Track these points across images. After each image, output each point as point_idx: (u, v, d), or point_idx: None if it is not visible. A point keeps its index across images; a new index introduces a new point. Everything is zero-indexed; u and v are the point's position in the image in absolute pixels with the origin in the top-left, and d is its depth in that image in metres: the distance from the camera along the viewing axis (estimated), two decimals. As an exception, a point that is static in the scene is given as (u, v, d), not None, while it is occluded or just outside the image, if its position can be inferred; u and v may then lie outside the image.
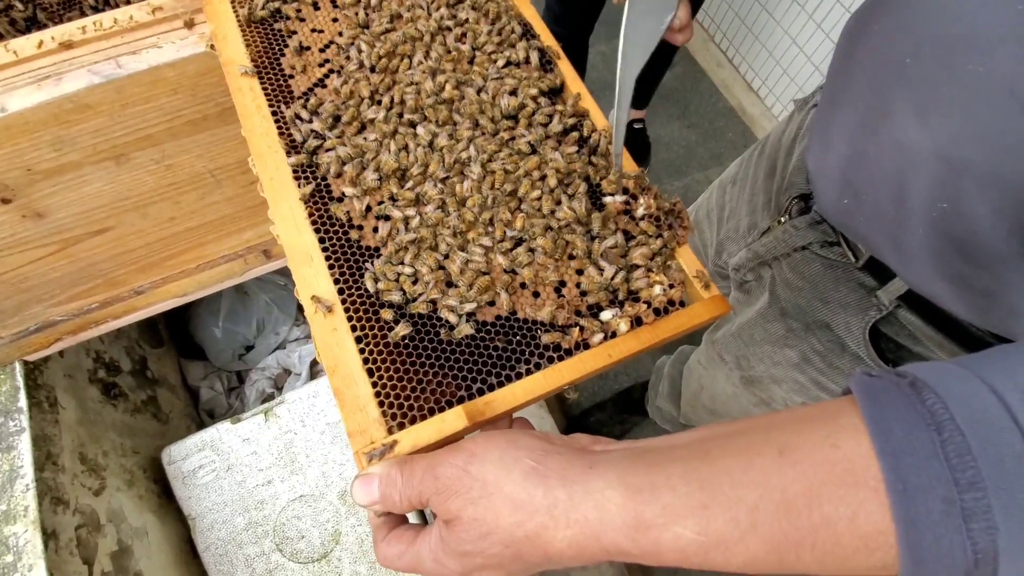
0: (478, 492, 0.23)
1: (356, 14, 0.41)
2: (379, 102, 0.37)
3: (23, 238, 0.49)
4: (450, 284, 0.33)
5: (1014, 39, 0.26)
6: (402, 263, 0.33)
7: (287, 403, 0.90)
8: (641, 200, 0.35)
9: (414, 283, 0.33)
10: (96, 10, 0.51)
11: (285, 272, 1.08)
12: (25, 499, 0.60)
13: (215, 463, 0.86)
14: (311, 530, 0.84)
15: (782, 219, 0.51)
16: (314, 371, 1.11)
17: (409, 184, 0.35)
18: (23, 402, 0.64)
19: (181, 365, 1.09)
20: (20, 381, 0.65)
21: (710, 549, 0.20)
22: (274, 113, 0.36)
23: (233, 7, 0.39)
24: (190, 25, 0.41)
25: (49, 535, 0.58)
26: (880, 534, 0.19)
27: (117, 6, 0.52)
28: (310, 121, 0.36)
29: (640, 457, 0.23)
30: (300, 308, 1.18)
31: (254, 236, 0.63)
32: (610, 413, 1.18)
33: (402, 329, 0.32)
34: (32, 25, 0.50)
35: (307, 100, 0.37)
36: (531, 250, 0.34)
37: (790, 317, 0.52)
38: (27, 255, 0.51)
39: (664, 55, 1.47)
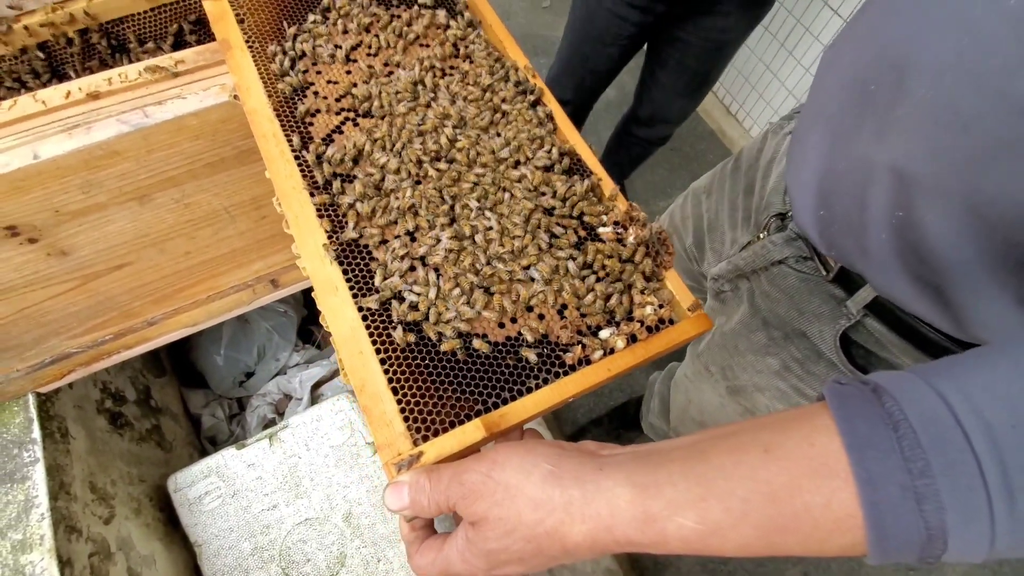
0: (501, 495, 0.26)
1: (370, 68, 0.45)
2: (394, 150, 0.41)
3: (46, 275, 0.52)
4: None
5: (957, 67, 0.30)
6: (414, 290, 0.37)
7: (291, 427, 0.92)
8: (631, 230, 0.39)
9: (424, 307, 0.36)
10: (113, 56, 0.55)
11: (286, 299, 1.11)
12: (41, 528, 0.62)
13: (221, 489, 0.87)
14: (317, 553, 0.85)
15: (761, 235, 0.56)
16: (315, 395, 1.12)
17: (425, 219, 0.39)
18: (36, 433, 0.66)
19: (183, 393, 1.10)
20: (33, 412, 0.67)
21: (708, 536, 0.24)
22: (296, 157, 0.40)
23: (254, 60, 0.43)
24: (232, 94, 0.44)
25: (64, 563, 0.59)
26: (850, 517, 0.22)
27: (129, 52, 0.55)
28: (329, 163, 0.40)
29: (645, 458, 0.26)
30: (300, 334, 1.20)
31: (263, 267, 0.66)
32: (606, 429, 1.21)
33: (408, 336, 0.35)
34: (56, 72, 0.54)
35: (327, 144, 0.41)
36: (532, 279, 0.38)
37: (772, 327, 0.56)
38: (49, 291, 0.54)
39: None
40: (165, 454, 0.93)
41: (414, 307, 0.36)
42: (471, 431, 0.32)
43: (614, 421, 1.21)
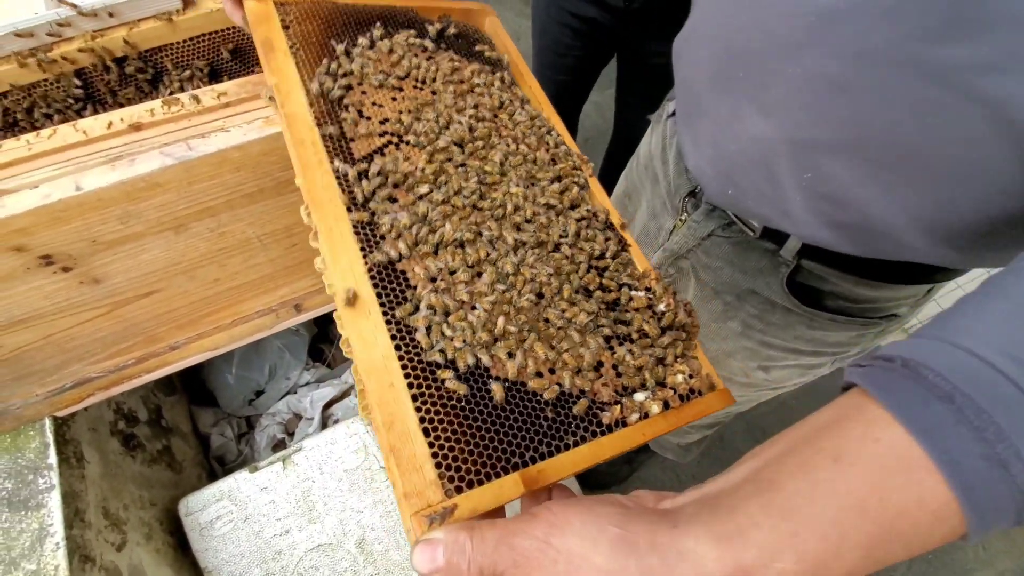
0: (564, 566, 0.23)
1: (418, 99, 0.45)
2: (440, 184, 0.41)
3: (77, 302, 0.51)
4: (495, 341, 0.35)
5: (813, 43, 0.33)
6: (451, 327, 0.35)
7: (305, 450, 0.91)
8: (662, 299, 0.40)
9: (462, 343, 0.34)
10: (150, 84, 0.55)
11: (297, 317, 1.10)
12: (56, 558, 0.60)
13: (232, 513, 0.85)
14: (330, 581, 0.83)
15: (683, 217, 0.58)
16: (325, 415, 1.11)
17: (470, 257, 0.38)
18: (53, 458, 0.65)
19: (192, 412, 1.09)
20: (50, 437, 0.66)
21: (812, 574, 0.21)
22: (335, 171, 0.38)
23: (297, 66, 0.42)
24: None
25: (80, 595, 0.58)
26: (945, 505, 0.20)
27: (165, 81, 0.55)
28: (370, 179, 0.39)
29: (714, 504, 0.23)
30: (310, 353, 1.19)
31: (288, 292, 0.66)
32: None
33: (460, 387, 0.32)
34: (92, 98, 0.54)
35: (370, 162, 0.40)
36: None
37: (722, 293, 0.58)
38: (77, 318, 0.53)
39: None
40: (175, 475, 0.92)
41: (449, 340, 0.34)
42: (509, 486, 0.29)
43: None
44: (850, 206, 0.38)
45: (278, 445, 1.10)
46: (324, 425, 1.11)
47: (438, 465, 0.29)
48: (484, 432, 0.31)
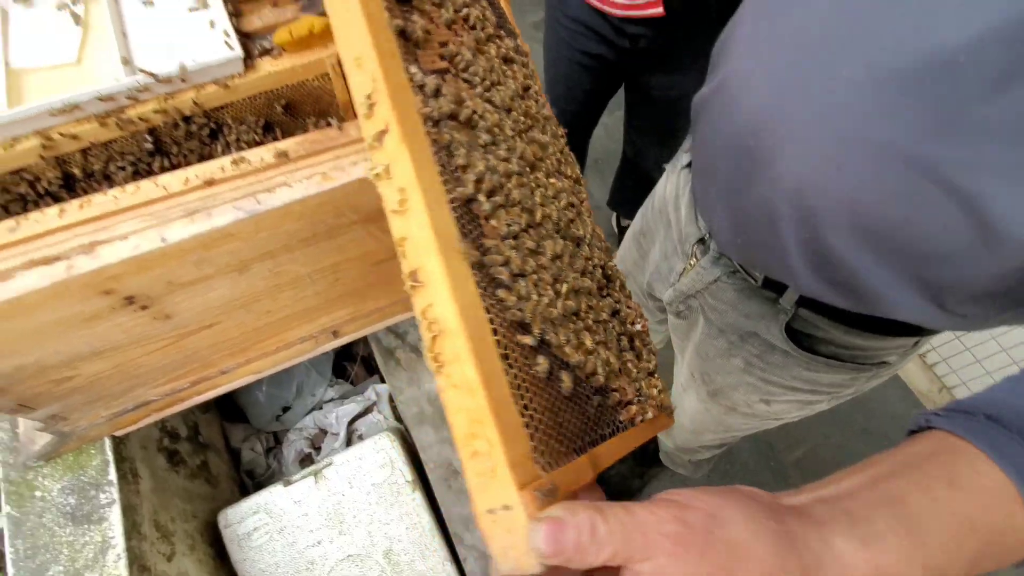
0: (727, 558, 0.22)
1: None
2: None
3: (149, 335, 0.57)
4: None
5: (818, 126, 0.38)
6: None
7: (335, 465, 0.96)
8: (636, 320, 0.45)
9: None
10: (211, 137, 0.61)
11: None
12: (117, 568, 0.66)
13: (269, 525, 0.91)
14: (361, 590, 0.88)
15: (692, 262, 0.63)
16: (350, 430, 1.16)
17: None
18: (113, 475, 0.70)
19: (224, 428, 1.14)
20: (110, 455, 0.71)
21: None
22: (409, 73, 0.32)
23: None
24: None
25: (142, 602, 0.63)
26: None
27: (226, 134, 0.61)
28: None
29: (848, 510, 0.25)
30: (335, 370, 1.25)
31: (328, 320, 0.72)
32: (630, 467, 1.25)
33: (544, 359, 0.29)
34: (160, 150, 0.60)
35: (442, 80, 0.34)
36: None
37: (727, 332, 0.64)
38: (147, 348, 0.59)
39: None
40: (212, 489, 0.97)
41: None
42: (584, 468, 0.27)
43: (637, 458, 1.25)
44: (844, 268, 0.43)
45: (305, 459, 1.15)
46: (349, 440, 1.16)
47: (532, 436, 0.25)
48: (558, 409, 0.28)
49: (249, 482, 1.12)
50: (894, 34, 0.32)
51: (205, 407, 1.08)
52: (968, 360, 1.62)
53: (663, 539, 0.22)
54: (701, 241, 0.61)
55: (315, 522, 0.91)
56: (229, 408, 1.16)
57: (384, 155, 0.27)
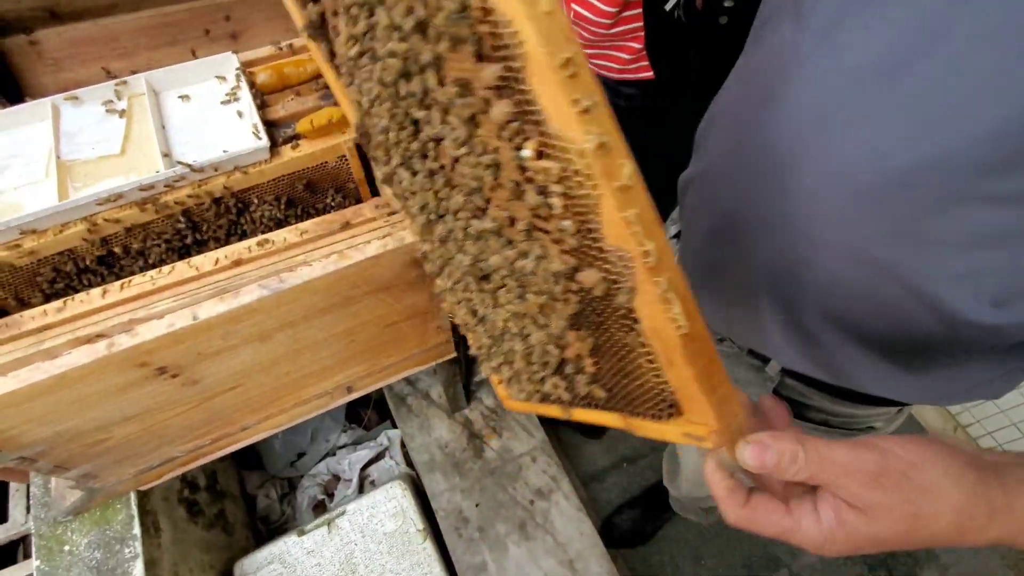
0: (918, 495, 0.26)
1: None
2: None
3: (177, 399, 0.61)
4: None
5: (785, 229, 0.41)
6: None
7: (348, 514, 0.98)
8: None
9: None
10: (238, 215, 0.67)
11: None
12: (140, 623, 0.68)
13: None
14: (373, 642, 0.89)
15: None
16: (362, 476, 1.19)
17: None
18: (137, 529, 0.74)
19: (240, 475, 1.17)
20: (135, 509, 0.75)
21: None
22: None
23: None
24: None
25: (163, 659, 0.66)
26: None
27: (251, 212, 0.67)
28: None
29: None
30: (348, 416, 1.28)
31: (343, 378, 0.76)
32: (642, 511, 1.25)
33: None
34: (190, 231, 0.65)
35: None
36: None
37: None
38: (175, 411, 0.63)
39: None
40: (228, 538, 0.99)
41: None
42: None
43: (649, 503, 1.25)
44: (820, 347, 0.47)
45: (318, 506, 1.17)
46: (361, 486, 1.18)
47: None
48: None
49: (263, 528, 1.14)
50: (853, 153, 0.36)
51: (223, 456, 1.12)
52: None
53: (860, 473, 0.27)
54: None
55: (328, 572, 0.93)
56: (245, 454, 1.19)
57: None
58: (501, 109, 0.26)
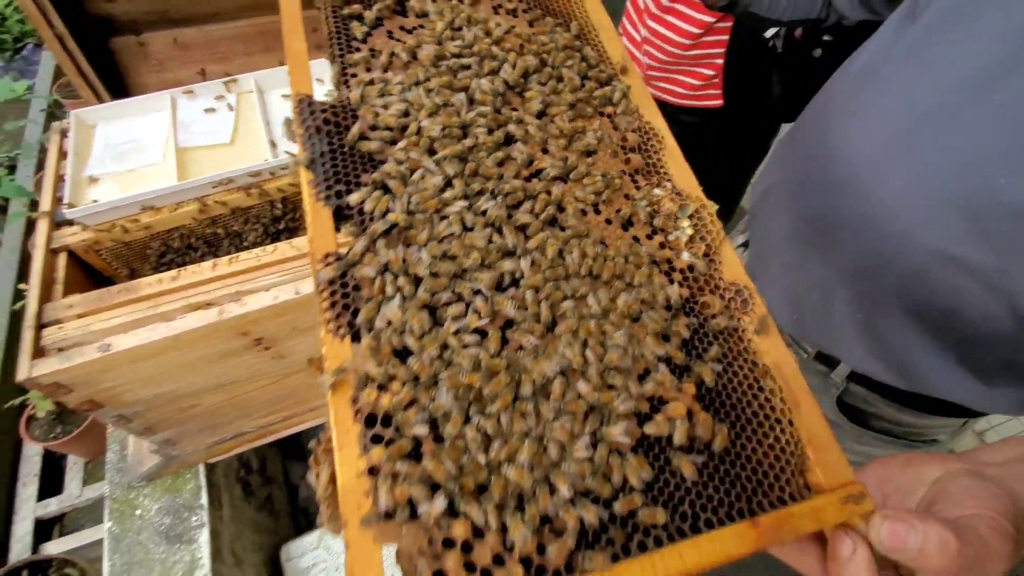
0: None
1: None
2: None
3: (264, 372, 0.65)
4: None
5: (864, 226, 0.44)
6: None
7: (392, 507, 1.00)
8: None
9: None
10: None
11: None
12: (203, 588, 0.71)
13: (327, 562, 0.95)
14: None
15: None
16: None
17: None
18: (204, 499, 0.77)
19: (284, 465, 1.20)
20: (203, 481, 0.78)
21: None
22: None
23: None
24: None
25: (222, 622, 0.68)
26: None
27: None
28: None
29: None
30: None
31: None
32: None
33: None
34: (284, 217, 0.70)
35: None
36: None
37: None
38: (259, 383, 0.67)
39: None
40: (275, 523, 1.02)
41: None
42: None
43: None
44: (893, 347, 0.48)
45: (357, 500, 1.19)
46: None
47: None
48: None
49: (303, 520, 1.16)
50: (940, 161, 0.38)
51: (271, 443, 1.15)
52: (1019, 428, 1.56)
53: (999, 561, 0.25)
54: None
55: (370, 562, 0.95)
56: (290, 446, 1.22)
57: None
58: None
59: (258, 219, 0.69)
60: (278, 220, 0.69)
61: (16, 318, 1.23)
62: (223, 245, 0.69)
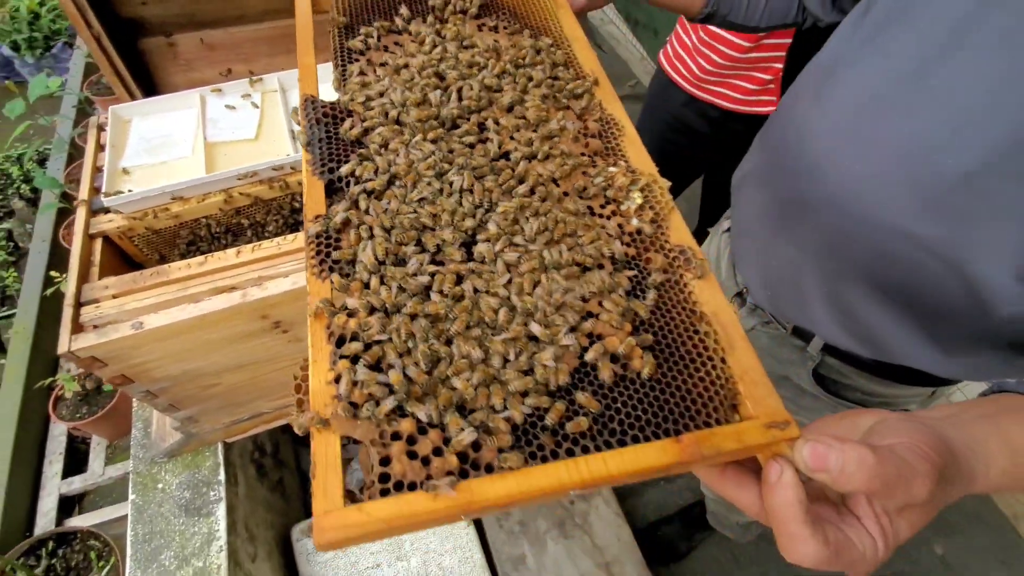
0: (944, 492, 0.28)
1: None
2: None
3: (282, 354, 0.69)
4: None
5: (832, 204, 0.47)
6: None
7: (398, 492, 1.04)
8: None
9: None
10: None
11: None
12: (219, 559, 0.75)
13: (335, 543, 0.98)
14: (414, 614, 0.94)
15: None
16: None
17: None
18: (222, 476, 0.81)
19: (296, 451, 1.25)
20: (221, 458, 0.83)
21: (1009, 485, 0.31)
22: None
23: None
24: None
25: (236, 592, 0.72)
26: None
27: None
28: None
29: (991, 440, 0.31)
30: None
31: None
32: (677, 529, 1.26)
33: None
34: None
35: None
36: None
37: None
38: (276, 365, 0.71)
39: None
40: (286, 505, 1.06)
41: None
42: None
43: (685, 521, 1.26)
44: (860, 319, 0.51)
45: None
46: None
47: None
48: None
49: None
50: (892, 142, 0.42)
51: (283, 428, 1.19)
52: None
53: (923, 479, 0.26)
54: (739, 295, 0.68)
55: (376, 545, 0.98)
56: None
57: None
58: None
59: (279, 210, 0.73)
60: (298, 211, 0.73)
61: (45, 304, 1.29)
62: (246, 234, 0.74)
